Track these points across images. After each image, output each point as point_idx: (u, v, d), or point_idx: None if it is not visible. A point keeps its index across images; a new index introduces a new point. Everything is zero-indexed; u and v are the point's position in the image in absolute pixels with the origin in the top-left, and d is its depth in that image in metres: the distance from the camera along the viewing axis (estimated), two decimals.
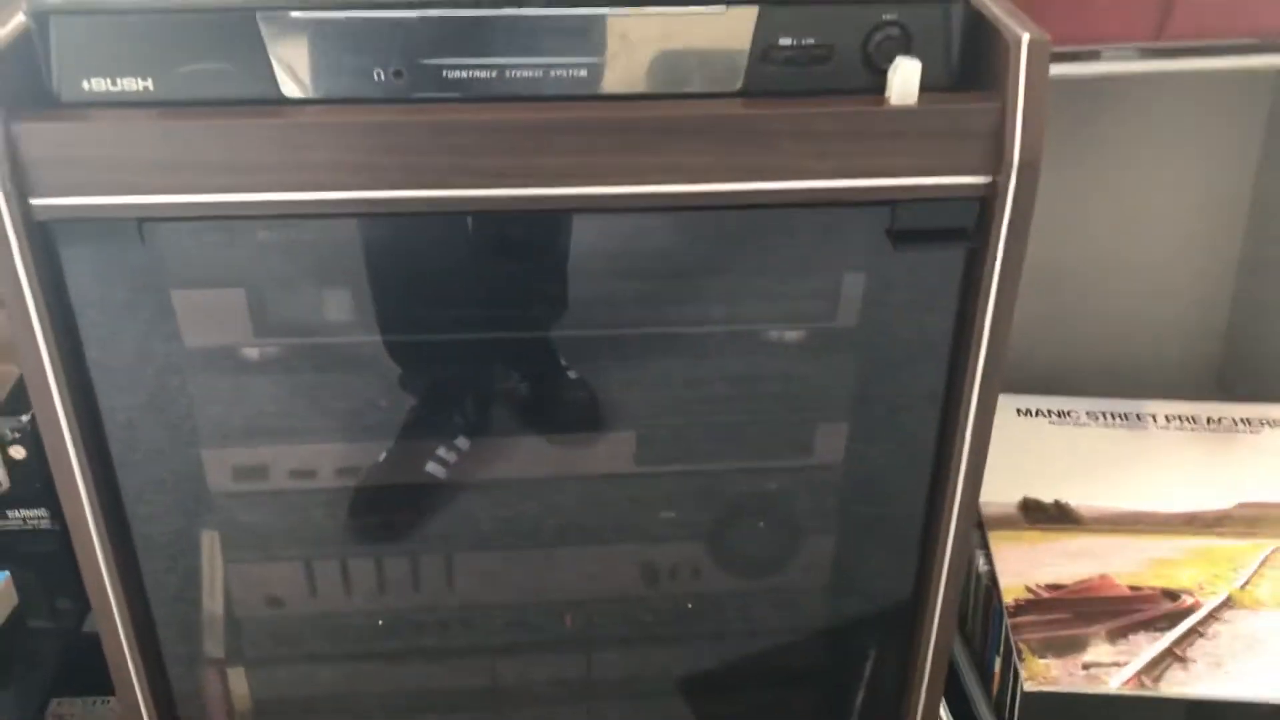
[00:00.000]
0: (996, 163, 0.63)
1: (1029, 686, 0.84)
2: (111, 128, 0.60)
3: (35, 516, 0.98)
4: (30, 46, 0.61)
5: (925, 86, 0.63)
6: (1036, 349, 1.16)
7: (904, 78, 0.61)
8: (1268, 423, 1.08)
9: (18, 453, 0.95)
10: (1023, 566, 0.93)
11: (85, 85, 0.61)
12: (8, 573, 0.93)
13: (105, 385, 0.69)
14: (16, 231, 0.60)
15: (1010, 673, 0.87)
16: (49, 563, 0.98)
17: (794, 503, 0.82)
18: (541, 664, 0.87)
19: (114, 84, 0.61)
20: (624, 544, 0.83)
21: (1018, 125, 0.62)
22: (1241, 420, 1.09)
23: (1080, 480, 1.02)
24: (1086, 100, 1.10)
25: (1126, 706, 0.84)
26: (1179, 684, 0.84)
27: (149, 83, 0.61)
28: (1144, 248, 1.18)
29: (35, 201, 0.60)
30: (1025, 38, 0.61)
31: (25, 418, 0.94)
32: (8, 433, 0.94)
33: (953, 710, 0.90)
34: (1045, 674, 0.85)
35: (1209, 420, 1.09)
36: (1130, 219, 1.16)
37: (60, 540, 0.98)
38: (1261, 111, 1.12)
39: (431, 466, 0.80)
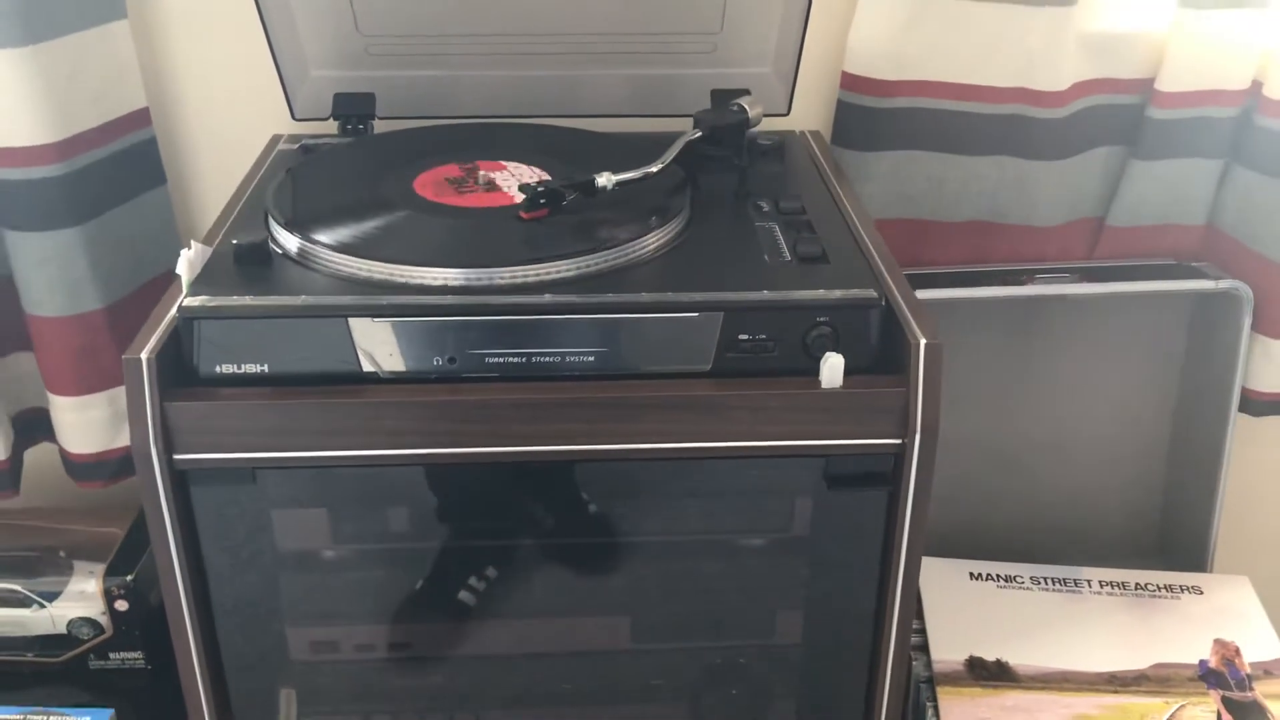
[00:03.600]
0: (904, 428, 0.79)
1: None
2: (235, 405, 0.77)
3: (133, 658, 1.13)
4: (179, 338, 0.78)
5: (849, 369, 0.78)
6: (992, 520, 1.27)
7: (831, 368, 0.77)
8: (1186, 589, 1.19)
9: (121, 605, 1.10)
10: None
11: (218, 368, 0.78)
12: (113, 710, 1.06)
13: (217, 577, 0.83)
14: (162, 477, 0.77)
15: None
16: (142, 696, 1.12)
17: (760, 674, 0.93)
18: None
19: (239, 367, 0.77)
20: (621, 705, 0.94)
21: (919, 403, 0.78)
22: (1164, 587, 1.20)
23: (1020, 640, 1.12)
24: (1033, 308, 1.22)
25: None
26: None
27: (265, 366, 0.78)
28: (1086, 434, 1.27)
29: (178, 456, 0.77)
30: (923, 342, 0.76)
31: (130, 576, 1.09)
32: (114, 589, 1.10)
33: None
34: None
35: (1136, 586, 1.20)
36: (1074, 409, 1.26)
37: (152, 678, 1.14)
38: (1183, 316, 1.23)
39: (467, 645, 0.90)
